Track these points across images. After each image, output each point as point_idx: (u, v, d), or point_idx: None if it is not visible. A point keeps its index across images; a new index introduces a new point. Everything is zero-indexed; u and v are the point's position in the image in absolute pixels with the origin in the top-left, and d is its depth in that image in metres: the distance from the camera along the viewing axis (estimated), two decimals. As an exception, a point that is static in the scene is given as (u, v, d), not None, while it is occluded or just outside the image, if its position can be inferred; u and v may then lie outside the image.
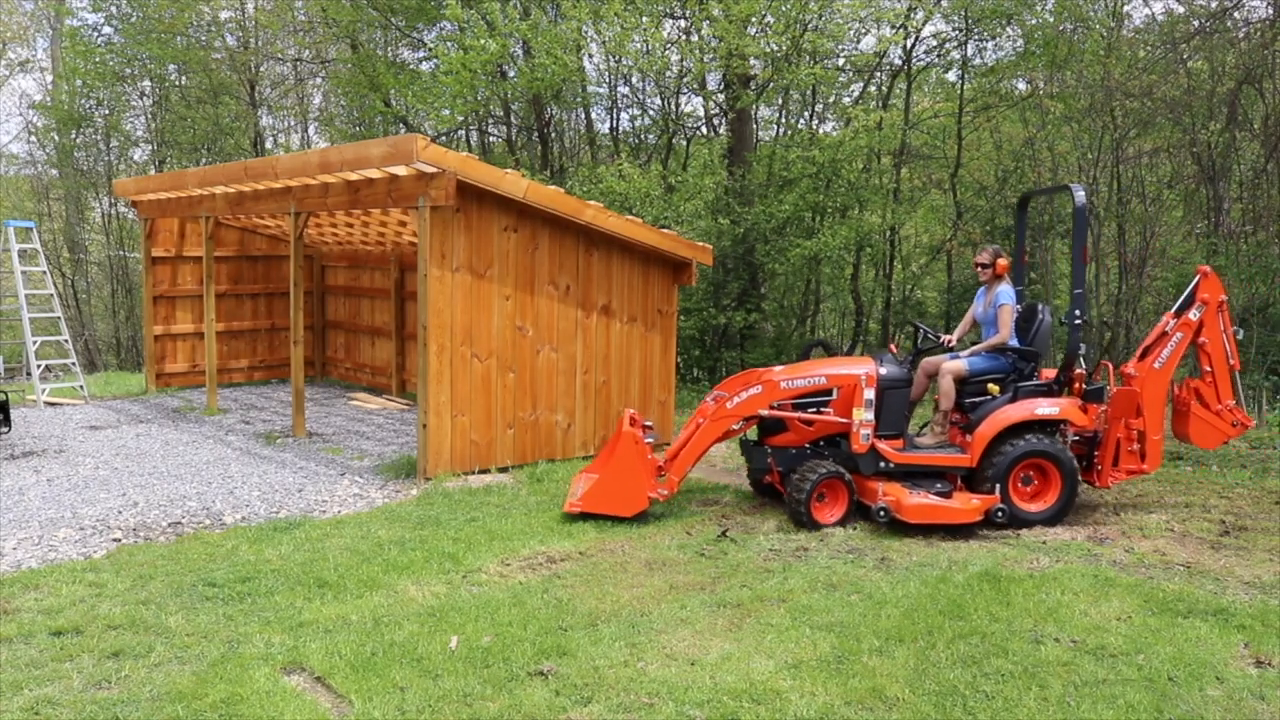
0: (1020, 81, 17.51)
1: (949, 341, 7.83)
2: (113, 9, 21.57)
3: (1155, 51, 14.59)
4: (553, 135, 18.84)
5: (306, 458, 9.39)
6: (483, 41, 14.69)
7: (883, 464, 7.20)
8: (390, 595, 5.57)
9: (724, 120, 16.07)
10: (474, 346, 8.61)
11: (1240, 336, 7.88)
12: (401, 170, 8.31)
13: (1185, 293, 7.55)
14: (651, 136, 17.85)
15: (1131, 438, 7.35)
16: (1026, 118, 16.93)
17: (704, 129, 17.38)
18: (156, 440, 10.14)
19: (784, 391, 7.23)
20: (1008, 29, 16.40)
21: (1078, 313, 7.29)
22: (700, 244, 9.98)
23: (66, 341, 13.29)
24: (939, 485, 7.09)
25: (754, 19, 14.38)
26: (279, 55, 23.21)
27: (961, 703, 4.24)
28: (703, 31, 15.28)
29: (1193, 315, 7.47)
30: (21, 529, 6.90)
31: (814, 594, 5.57)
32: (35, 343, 12.77)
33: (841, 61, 16.82)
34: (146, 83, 23.17)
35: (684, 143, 17.46)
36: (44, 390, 12.63)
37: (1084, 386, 7.35)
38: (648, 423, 7.39)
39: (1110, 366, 7.73)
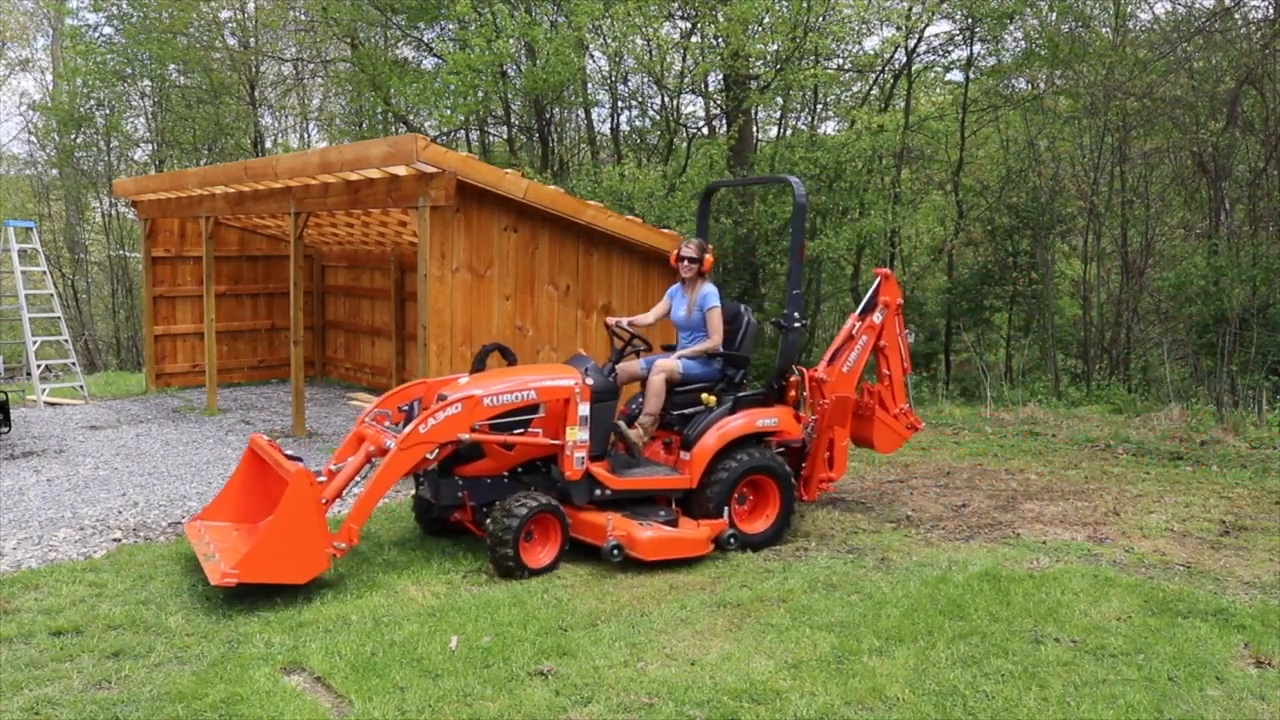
0: (1021, 81, 17.52)
1: (616, 323, 6.95)
2: (113, 9, 21.58)
3: (1156, 51, 14.59)
4: (553, 135, 18.85)
5: (307, 458, 9.38)
6: (490, 42, 14.72)
7: (598, 491, 6.26)
8: (390, 595, 5.57)
9: (724, 121, 16.07)
10: (474, 346, 8.60)
11: (912, 340, 7.75)
12: (401, 170, 8.31)
13: (868, 295, 7.38)
14: (653, 137, 17.85)
15: (823, 445, 7.02)
16: (1028, 119, 16.94)
17: (705, 129, 17.39)
18: (156, 440, 10.14)
19: (487, 409, 5.97)
20: (1010, 29, 16.41)
21: (795, 315, 6.78)
22: (700, 244, 9.96)
23: (66, 341, 13.29)
24: (663, 513, 6.29)
25: (755, 20, 14.39)
26: (279, 55, 23.22)
27: (961, 703, 4.24)
28: (706, 32, 15.30)
29: (876, 318, 7.28)
30: (21, 529, 6.90)
31: (814, 594, 5.57)
32: (35, 343, 12.77)
33: (843, 62, 16.84)
34: (147, 83, 23.18)
35: (684, 143, 17.47)
36: (44, 390, 12.63)
37: (798, 394, 6.92)
38: (291, 453, 5.97)
39: (804, 371, 7.09)
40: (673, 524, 6.23)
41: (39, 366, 12.91)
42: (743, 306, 7.02)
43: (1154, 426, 10.59)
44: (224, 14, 22.35)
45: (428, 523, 6.70)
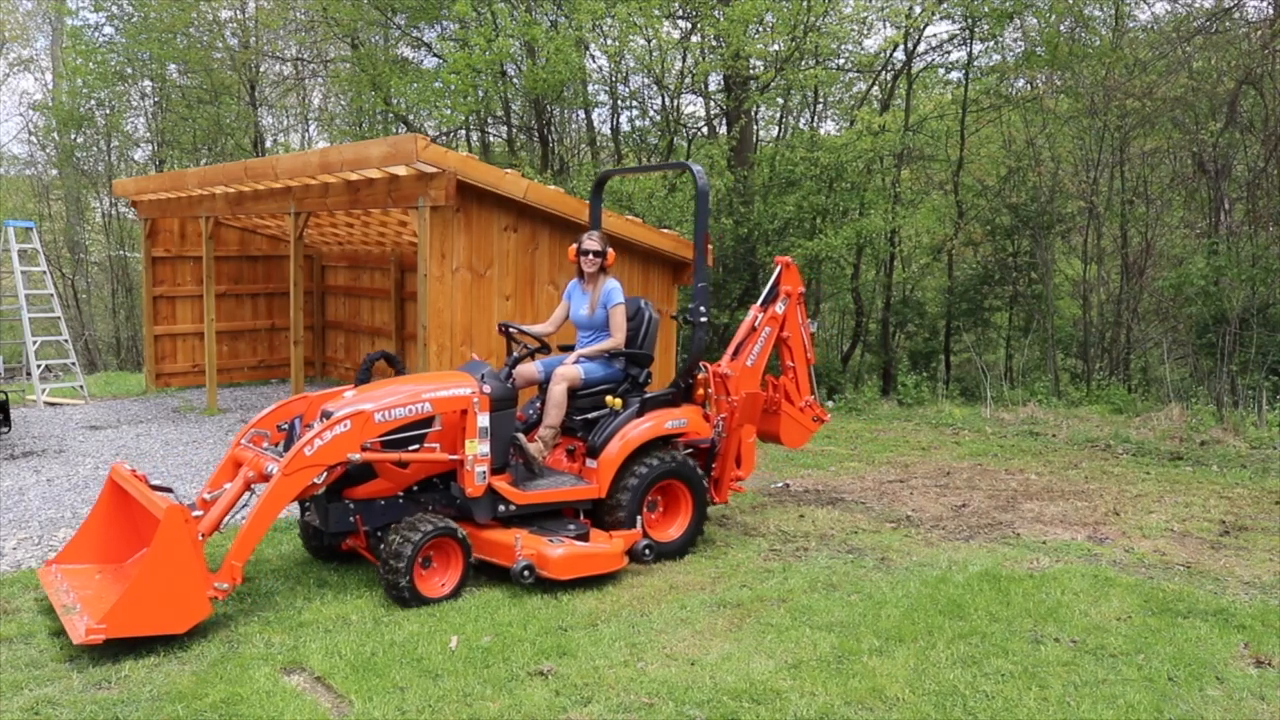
0: (1021, 81, 17.53)
1: (514, 327, 6.54)
2: (113, 9, 21.59)
3: (1156, 51, 14.60)
4: (553, 135, 18.85)
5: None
6: (490, 41, 14.73)
7: (502, 507, 5.82)
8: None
9: (725, 121, 16.06)
10: (474, 346, 8.61)
11: (815, 329, 7.52)
12: (401, 170, 8.31)
13: (769, 285, 7.09)
14: (653, 138, 17.87)
15: (733, 444, 6.76)
16: (1028, 119, 16.94)
17: (705, 130, 17.39)
18: (156, 440, 10.14)
19: (379, 425, 5.43)
20: (1009, 29, 16.41)
21: (701, 309, 6.39)
22: (700, 244, 9.96)
23: (66, 341, 13.29)
24: (572, 526, 5.92)
25: (756, 20, 14.39)
26: (279, 55, 23.23)
27: (961, 703, 4.24)
28: (706, 33, 15.29)
29: (779, 308, 7.02)
30: (21, 529, 6.90)
31: (814, 594, 5.57)
32: (35, 343, 12.78)
33: (843, 62, 16.84)
34: (147, 83, 23.19)
35: (684, 144, 17.48)
36: (44, 390, 12.63)
37: (706, 393, 6.62)
38: (159, 483, 5.47)
39: (708, 367, 6.76)
40: (584, 538, 5.84)
41: (39, 366, 12.91)
42: (643, 301, 6.68)
43: (1154, 426, 10.59)
44: (224, 14, 22.37)
45: (317, 550, 6.15)
